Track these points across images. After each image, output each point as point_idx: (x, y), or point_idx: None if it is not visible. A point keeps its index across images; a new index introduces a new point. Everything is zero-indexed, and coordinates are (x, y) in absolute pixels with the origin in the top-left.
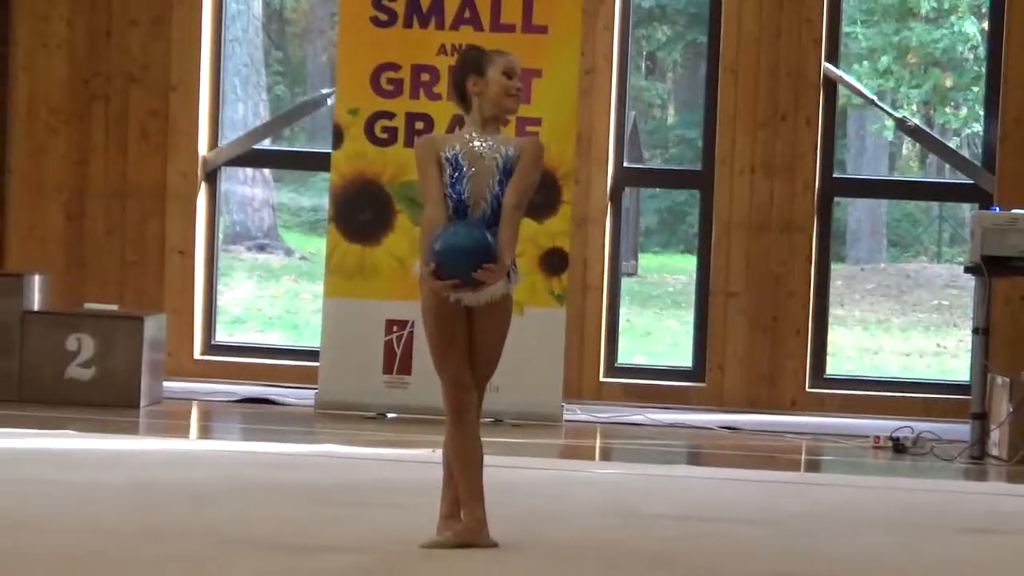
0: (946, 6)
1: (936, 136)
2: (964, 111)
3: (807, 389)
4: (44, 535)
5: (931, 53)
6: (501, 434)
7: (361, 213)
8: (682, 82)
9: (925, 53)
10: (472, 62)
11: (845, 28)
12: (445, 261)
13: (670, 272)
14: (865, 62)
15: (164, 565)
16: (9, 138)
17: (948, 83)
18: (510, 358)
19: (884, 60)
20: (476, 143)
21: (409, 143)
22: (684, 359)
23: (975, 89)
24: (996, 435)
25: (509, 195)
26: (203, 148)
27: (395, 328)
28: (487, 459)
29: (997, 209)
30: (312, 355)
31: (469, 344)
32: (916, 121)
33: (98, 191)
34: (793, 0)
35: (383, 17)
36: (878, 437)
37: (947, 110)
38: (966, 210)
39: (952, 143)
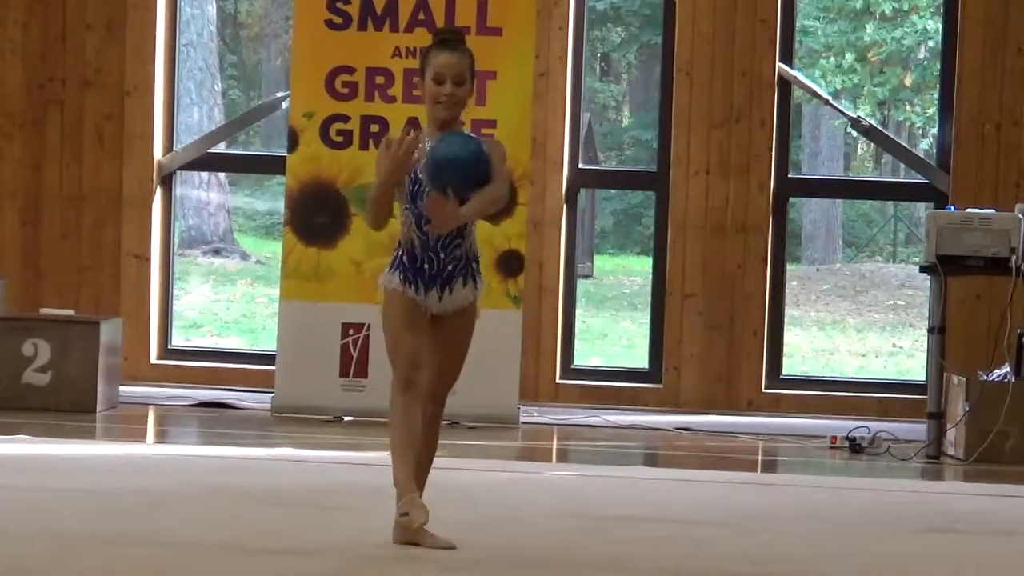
0: (906, 7)
1: (890, 135)
2: (932, 110)
3: (763, 390)
4: None
5: (893, 51)
6: (458, 436)
7: (317, 216)
8: (637, 84)
9: (886, 52)
10: (420, 63)
11: (805, 23)
12: (439, 171)
13: (626, 274)
14: (827, 60)
15: (122, 570)
16: None
17: (908, 82)
18: (467, 360)
19: (848, 57)
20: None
21: (364, 146)
22: (640, 361)
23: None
24: (952, 434)
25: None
26: (158, 152)
27: (351, 331)
28: (443, 461)
29: (952, 208)
30: (269, 359)
31: (433, 353)
32: (871, 121)
33: (54, 196)
34: (747, 1)
35: (337, 20)
36: (835, 437)
37: (908, 108)
38: (921, 209)
39: (921, 142)
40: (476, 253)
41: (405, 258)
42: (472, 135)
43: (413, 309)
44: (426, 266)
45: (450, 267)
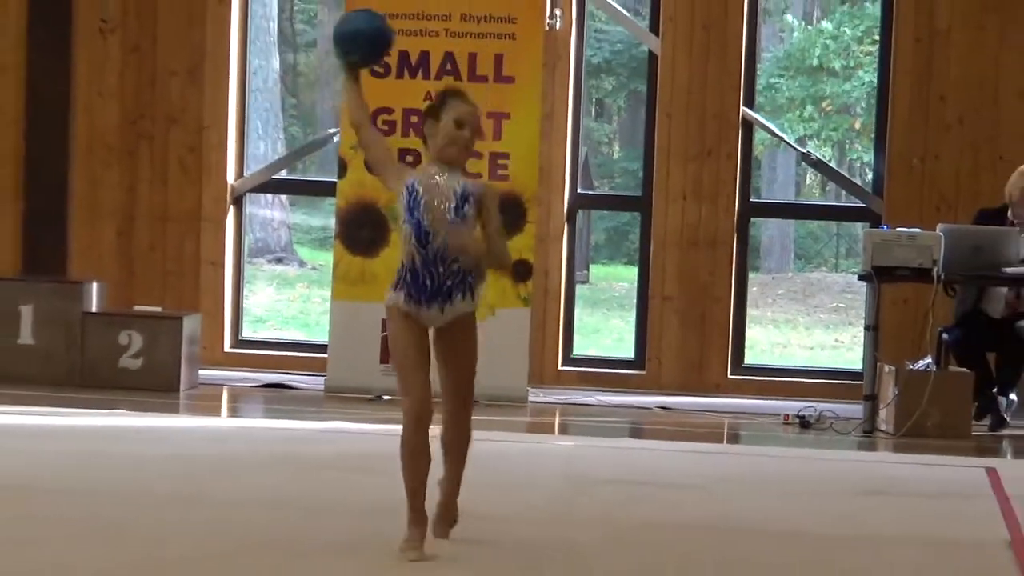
0: (852, 64)
1: (833, 167)
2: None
3: (729, 376)
4: (96, 498)
5: (844, 102)
6: (477, 413)
7: (361, 231)
8: (625, 123)
9: (838, 102)
10: (432, 108)
11: (772, 80)
12: (345, 41)
13: (615, 280)
14: (791, 112)
15: (193, 525)
16: (71, 170)
17: (856, 126)
18: (484, 349)
19: (809, 108)
20: (436, 176)
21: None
22: (627, 351)
23: None
24: (884, 413)
25: (488, 227)
26: (231, 178)
27: (388, 326)
28: (474, 428)
29: (885, 227)
30: (321, 348)
31: (442, 366)
32: (817, 155)
33: (144, 213)
34: (717, 55)
35: (379, 70)
36: (787, 415)
37: (858, 147)
38: (859, 228)
39: (869, 175)
40: (478, 268)
41: (408, 276)
42: (376, 12)
43: (415, 327)
44: (427, 282)
45: (449, 282)
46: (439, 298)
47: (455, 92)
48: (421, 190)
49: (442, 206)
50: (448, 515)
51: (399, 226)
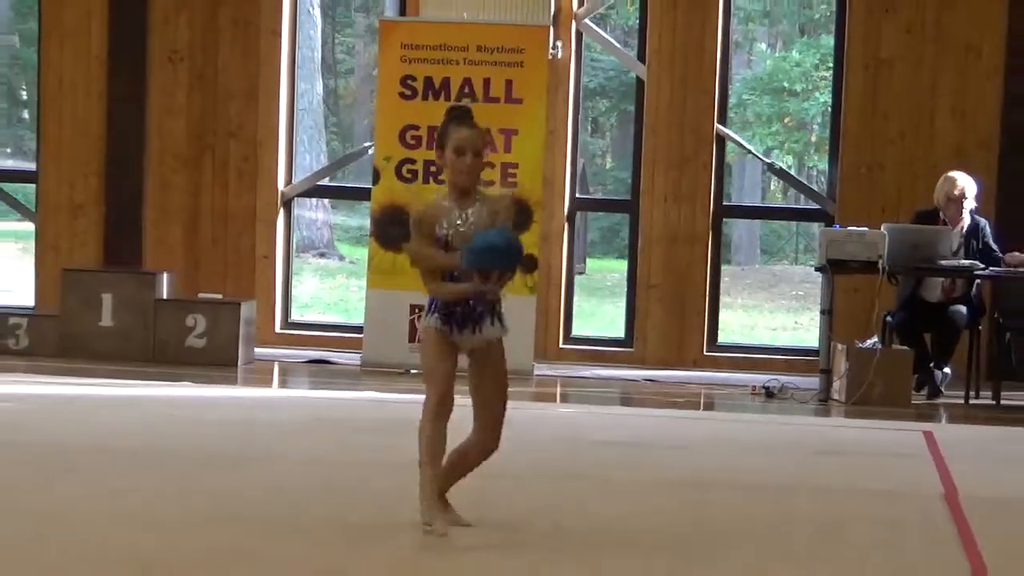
0: (810, 87)
1: (793, 174)
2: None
3: (705, 353)
4: (168, 457)
5: (803, 119)
6: None
7: (392, 230)
8: (616, 138)
9: (798, 119)
10: (439, 136)
11: (744, 98)
12: (480, 259)
13: (608, 271)
14: (760, 127)
15: (248, 483)
16: (145, 178)
17: (813, 139)
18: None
19: (775, 125)
20: (459, 222)
21: (426, 181)
22: (618, 332)
23: None
24: (837, 385)
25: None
26: (281, 184)
27: (416, 310)
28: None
29: (838, 227)
30: (358, 329)
31: (478, 391)
32: (781, 164)
33: (207, 214)
34: (693, 80)
35: (407, 92)
36: (754, 386)
37: (815, 158)
38: (815, 228)
39: (823, 182)
40: (499, 298)
41: (441, 304)
42: (504, 231)
43: (447, 344)
44: (458, 309)
45: (479, 309)
46: (470, 324)
47: (457, 116)
48: (450, 235)
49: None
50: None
51: None
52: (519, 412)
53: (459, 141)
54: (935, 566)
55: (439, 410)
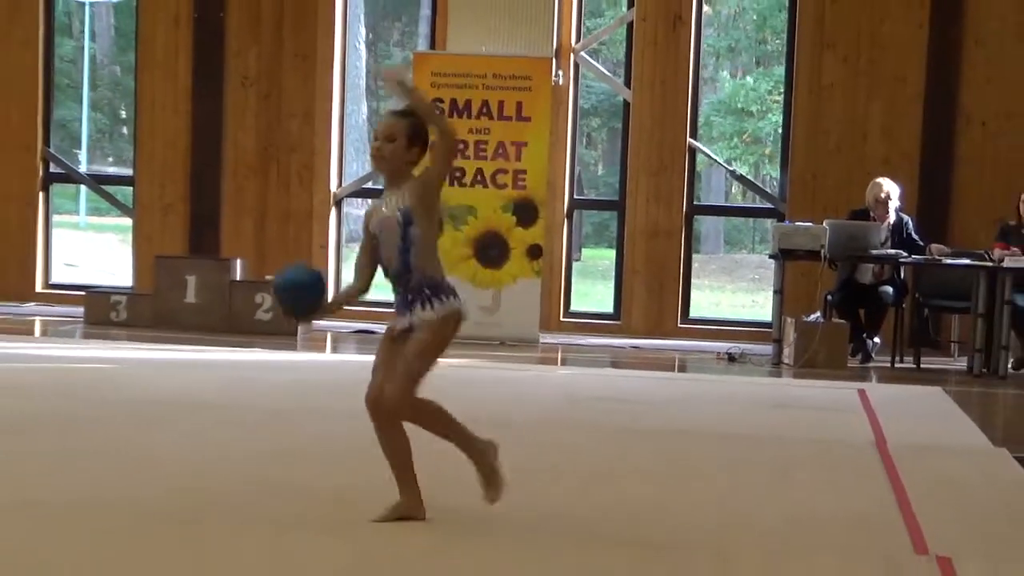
0: (765, 108)
1: (751, 179)
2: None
3: (679, 325)
4: (241, 411)
5: (758, 135)
6: (503, 351)
7: None
8: (606, 150)
9: (755, 135)
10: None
11: (712, 119)
12: (283, 295)
13: (600, 259)
14: (724, 142)
15: (303, 430)
16: (223, 182)
17: (767, 152)
18: (510, 308)
19: (735, 140)
20: (384, 207)
21: (451, 183)
22: (608, 308)
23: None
24: (787, 351)
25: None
26: (333, 187)
27: None
28: (495, 363)
29: (788, 222)
30: (391, 306)
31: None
32: (741, 171)
33: (272, 212)
34: (671, 102)
35: (438, 112)
36: (719, 353)
37: (769, 167)
38: (769, 223)
39: (776, 187)
40: (431, 280)
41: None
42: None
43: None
44: (396, 297)
45: (410, 296)
46: (405, 309)
47: (389, 111)
48: (379, 231)
49: (395, 241)
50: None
51: (452, 221)
52: (527, 373)
53: (376, 128)
54: (867, 498)
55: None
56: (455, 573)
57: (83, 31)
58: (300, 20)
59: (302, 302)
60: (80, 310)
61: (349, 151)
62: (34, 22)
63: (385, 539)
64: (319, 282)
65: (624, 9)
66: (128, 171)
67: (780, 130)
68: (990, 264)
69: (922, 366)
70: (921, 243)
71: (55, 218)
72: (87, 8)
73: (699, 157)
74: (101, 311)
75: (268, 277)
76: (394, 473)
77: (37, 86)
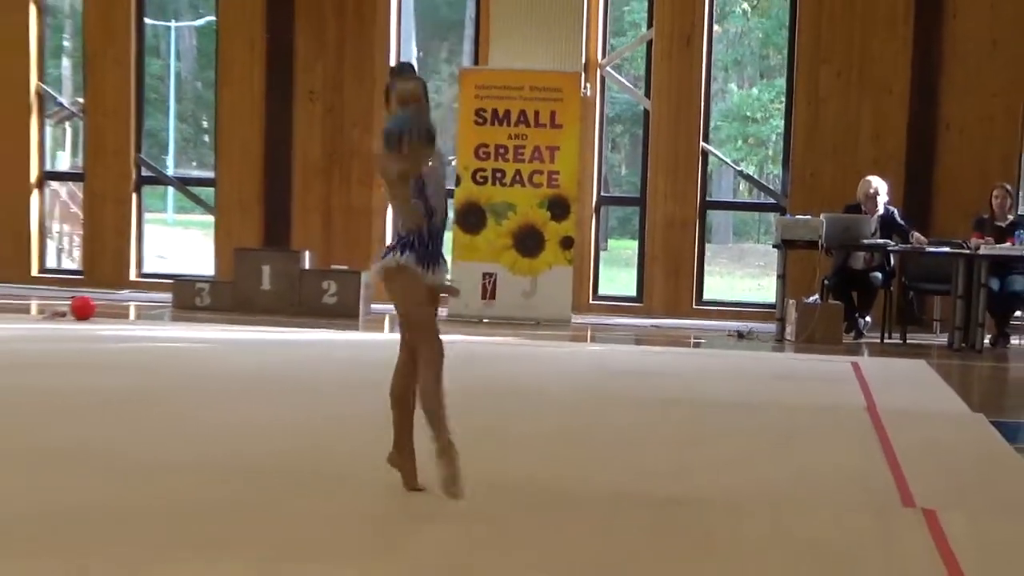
0: (767, 115)
1: (756, 178)
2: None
3: (693, 307)
4: (307, 381)
5: (762, 139)
6: (540, 329)
7: (470, 219)
8: (629, 153)
9: (759, 139)
10: (385, 91)
11: (719, 124)
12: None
13: (624, 249)
14: (730, 145)
15: (364, 400)
16: (293, 184)
17: (771, 153)
18: (545, 292)
19: (740, 143)
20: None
21: (494, 183)
22: (631, 292)
23: None
24: (789, 329)
25: None
26: None
27: (486, 276)
28: (534, 340)
29: (789, 216)
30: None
31: None
32: (748, 171)
33: (337, 209)
34: (685, 110)
35: (479, 120)
36: (729, 331)
37: (772, 167)
38: (772, 216)
39: (779, 184)
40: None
41: (416, 242)
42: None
43: (427, 288)
44: (430, 247)
45: (439, 249)
46: (437, 262)
47: (397, 71)
48: (425, 175)
49: (440, 191)
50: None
51: (493, 216)
52: (560, 349)
53: (403, 93)
54: (860, 457)
55: (441, 362)
56: (496, 520)
57: (169, 51)
58: (359, 41)
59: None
60: (168, 296)
61: None
62: (126, 44)
63: (424, 497)
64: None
65: (644, 29)
66: (210, 174)
67: (781, 134)
68: (968, 252)
69: (908, 342)
70: (907, 227)
71: (146, 215)
72: (172, 31)
73: (710, 158)
74: (187, 297)
75: (337, 267)
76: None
77: (129, 100)
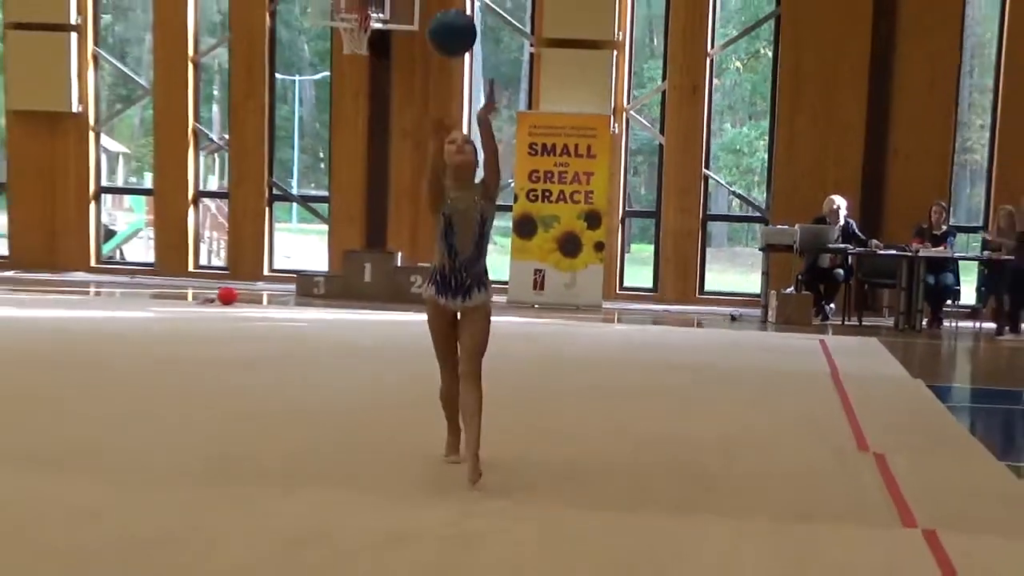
0: (754, 143)
1: (746, 197)
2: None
3: (697, 295)
4: (396, 351)
5: (750, 167)
6: (579, 313)
7: (525, 228)
8: (647, 177)
9: (746, 168)
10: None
11: (717, 154)
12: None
13: (643, 251)
14: (726, 171)
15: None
16: (389, 202)
17: (757, 179)
18: (582, 284)
19: (733, 170)
20: (460, 203)
21: (544, 200)
22: (649, 284)
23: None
24: (770, 313)
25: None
26: None
27: (537, 272)
28: (571, 320)
29: (771, 226)
30: (504, 282)
31: (460, 340)
32: (739, 191)
33: (423, 222)
34: (691, 144)
35: (532, 152)
36: (726, 315)
37: (757, 189)
38: (758, 227)
39: (763, 201)
40: (487, 269)
41: (439, 277)
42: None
43: (440, 314)
44: (453, 282)
45: (469, 281)
46: (461, 292)
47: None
48: (453, 219)
49: (472, 233)
50: (472, 473)
51: (543, 225)
52: (594, 329)
53: (453, 135)
54: (824, 411)
55: (448, 389)
56: (521, 460)
57: (295, 99)
58: (440, 92)
59: (453, 38)
60: (293, 287)
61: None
62: (261, 93)
63: (453, 469)
64: (469, 29)
65: (659, 81)
66: (325, 193)
67: (765, 163)
68: (910, 254)
69: (863, 324)
70: (863, 236)
71: (276, 225)
72: (297, 83)
73: (710, 182)
74: (307, 288)
75: (423, 264)
76: (453, 425)
77: (263, 136)
